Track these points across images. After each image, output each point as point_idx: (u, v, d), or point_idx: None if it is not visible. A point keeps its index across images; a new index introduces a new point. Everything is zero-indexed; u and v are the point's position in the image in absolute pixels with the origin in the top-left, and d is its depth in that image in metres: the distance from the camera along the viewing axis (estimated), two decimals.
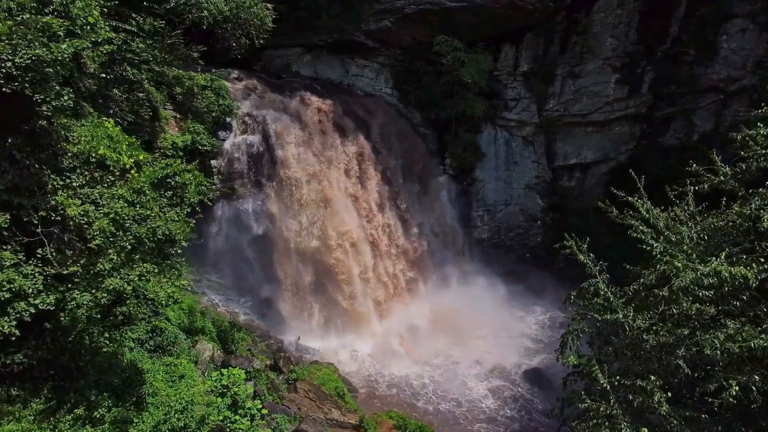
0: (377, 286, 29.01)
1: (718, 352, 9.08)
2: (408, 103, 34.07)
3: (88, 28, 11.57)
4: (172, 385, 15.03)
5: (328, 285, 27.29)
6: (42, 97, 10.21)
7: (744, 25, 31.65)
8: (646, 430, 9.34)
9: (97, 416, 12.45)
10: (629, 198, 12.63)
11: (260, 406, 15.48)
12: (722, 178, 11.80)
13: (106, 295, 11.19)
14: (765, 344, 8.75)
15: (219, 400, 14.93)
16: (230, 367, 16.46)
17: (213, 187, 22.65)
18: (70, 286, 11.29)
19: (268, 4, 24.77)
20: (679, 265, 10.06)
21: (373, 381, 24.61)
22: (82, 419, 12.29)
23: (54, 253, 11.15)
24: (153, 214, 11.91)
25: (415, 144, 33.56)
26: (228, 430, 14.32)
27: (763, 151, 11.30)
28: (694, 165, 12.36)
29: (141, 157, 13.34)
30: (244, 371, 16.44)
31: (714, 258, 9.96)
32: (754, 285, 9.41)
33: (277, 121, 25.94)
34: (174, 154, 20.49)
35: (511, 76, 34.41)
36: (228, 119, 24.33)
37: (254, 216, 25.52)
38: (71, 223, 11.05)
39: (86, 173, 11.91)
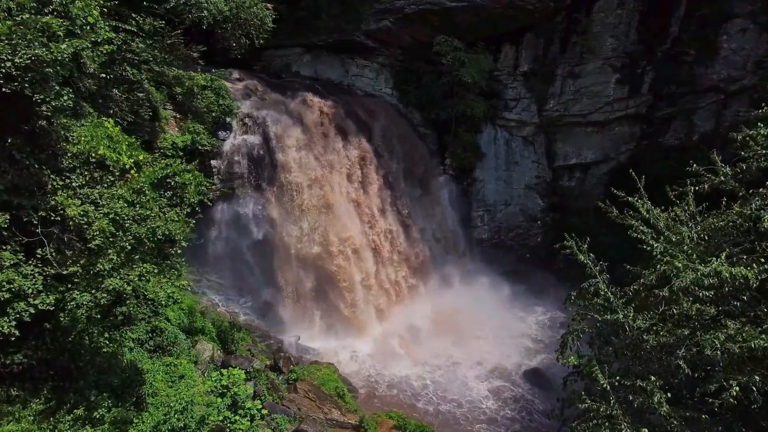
0: (379, 293, 28.87)
1: (719, 352, 9.07)
2: (408, 103, 34.07)
3: (88, 28, 11.57)
4: (171, 386, 15.02)
5: (329, 292, 27.21)
6: (42, 97, 10.20)
7: (744, 25, 31.64)
8: (646, 430, 9.33)
9: (97, 416, 12.44)
10: (629, 198, 12.62)
11: (260, 407, 15.48)
12: (722, 178, 11.79)
13: (105, 295, 11.19)
14: (765, 344, 8.73)
15: (219, 400, 14.92)
16: (230, 368, 16.45)
17: (213, 187, 22.64)
18: (69, 286, 11.29)
19: (268, 4, 24.76)
20: (680, 265, 10.05)
21: (373, 381, 24.59)
22: (81, 419, 12.28)
23: (54, 254, 11.15)
24: (153, 215, 11.91)
25: (416, 147, 33.51)
26: (228, 430, 14.32)
27: (764, 151, 11.29)
28: (695, 165, 12.35)
29: (141, 157, 13.34)
30: (244, 371, 16.44)
31: (714, 258, 9.95)
32: (754, 285, 9.40)
33: (277, 124, 25.83)
34: (174, 154, 20.47)
35: (511, 76, 34.40)
36: (228, 119, 24.32)
37: (254, 220, 25.43)
38: (71, 223, 11.05)
39: (86, 173, 11.91)
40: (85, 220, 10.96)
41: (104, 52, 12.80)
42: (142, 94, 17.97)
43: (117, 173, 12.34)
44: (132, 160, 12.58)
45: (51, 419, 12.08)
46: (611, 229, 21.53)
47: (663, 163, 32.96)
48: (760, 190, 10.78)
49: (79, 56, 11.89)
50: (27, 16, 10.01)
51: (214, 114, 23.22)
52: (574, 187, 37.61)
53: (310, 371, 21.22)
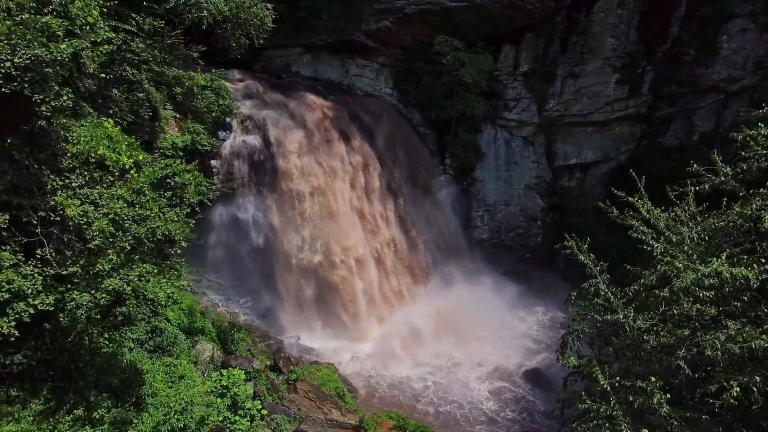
0: (382, 303, 28.78)
1: (719, 352, 9.07)
2: (408, 103, 34.05)
3: (88, 28, 11.57)
4: (171, 386, 15.00)
5: (331, 302, 27.12)
6: (41, 97, 10.19)
7: (744, 25, 31.62)
8: (646, 431, 9.32)
9: (97, 417, 12.44)
10: (630, 198, 12.61)
11: (260, 407, 15.48)
12: (723, 178, 11.78)
13: (105, 295, 11.18)
14: (766, 345, 8.73)
15: (219, 400, 14.92)
16: (230, 368, 16.46)
17: (213, 187, 22.63)
18: (69, 286, 11.28)
19: (268, 4, 24.73)
20: (680, 265, 10.04)
21: (373, 382, 24.55)
22: (81, 420, 12.27)
23: (53, 254, 11.15)
24: (152, 215, 11.90)
25: (417, 148, 33.42)
26: (228, 430, 14.32)
27: (764, 152, 11.28)
28: (695, 165, 12.34)
29: (140, 158, 13.34)
30: (243, 372, 16.45)
31: (715, 258, 9.94)
32: (755, 286, 9.39)
33: (278, 128, 25.60)
34: (174, 154, 20.45)
35: (511, 76, 34.39)
36: (228, 119, 24.31)
37: (254, 227, 25.32)
38: (70, 223, 11.05)
39: (86, 173, 11.90)
40: (85, 220, 10.96)
41: (104, 52, 12.77)
42: (141, 94, 17.95)
43: (117, 173, 12.34)
44: (132, 161, 12.58)
45: (50, 419, 12.07)
46: (611, 229, 21.56)
47: (663, 163, 32.95)
48: (761, 190, 10.77)
49: (78, 56, 11.88)
50: (26, 16, 10.01)
51: (214, 114, 23.21)
52: (574, 187, 37.60)
53: (310, 371, 21.21)
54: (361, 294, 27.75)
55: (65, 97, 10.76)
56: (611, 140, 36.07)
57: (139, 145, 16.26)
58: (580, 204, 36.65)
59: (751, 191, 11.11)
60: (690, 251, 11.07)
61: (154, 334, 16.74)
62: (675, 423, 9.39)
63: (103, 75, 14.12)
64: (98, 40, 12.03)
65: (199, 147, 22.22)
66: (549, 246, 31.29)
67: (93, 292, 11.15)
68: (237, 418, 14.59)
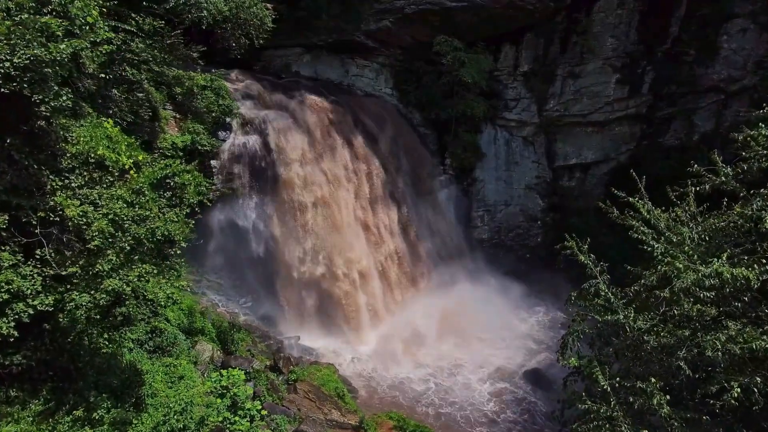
0: (385, 313, 28.64)
1: (720, 353, 9.06)
2: (408, 103, 34.03)
3: (87, 28, 11.55)
4: (171, 386, 14.99)
5: (333, 315, 27.02)
6: (40, 97, 10.18)
7: (745, 25, 31.60)
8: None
9: (96, 417, 12.43)
10: (630, 198, 12.60)
11: (260, 407, 15.47)
12: (723, 178, 11.76)
13: (105, 295, 11.16)
14: (766, 345, 8.72)
15: (218, 401, 14.92)
16: (230, 368, 16.46)
17: (213, 187, 22.62)
18: (68, 286, 11.26)
19: (268, 4, 24.71)
20: (680, 266, 10.03)
21: (373, 383, 24.51)
22: (81, 420, 12.27)
23: (53, 254, 11.13)
24: (152, 215, 11.89)
25: (420, 153, 33.31)
26: (227, 431, 14.30)
27: (765, 152, 11.27)
28: (696, 165, 12.32)
29: (140, 158, 13.32)
30: (243, 372, 16.44)
31: (715, 259, 9.94)
32: (755, 286, 9.38)
33: (280, 133, 25.37)
34: (174, 154, 20.44)
35: (512, 76, 34.36)
36: (228, 119, 24.29)
37: (255, 236, 25.19)
38: (70, 223, 11.02)
39: (85, 174, 11.88)
40: (84, 220, 10.94)
41: (103, 52, 12.76)
42: (141, 95, 17.93)
43: (116, 173, 12.32)
44: (131, 161, 12.56)
45: (50, 420, 12.06)
46: (611, 229, 21.56)
47: (663, 163, 32.95)
48: (761, 190, 10.76)
49: (78, 56, 11.87)
50: (26, 16, 9.99)
51: (213, 114, 23.20)
52: (574, 187, 37.59)
53: (310, 372, 21.19)
54: (365, 308, 27.62)
55: (65, 98, 10.75)
56: (611, 140, 36.05)
57: (139, 146, 16.25)
58: (581, 204, 36.63)
59: (752, 191, 11.10)
60: (690, 252, 11.06)
61: (154, 335, 16.73)
62: (675, 424, 9.38)
63: (103, 75, 14.11)
64: (98, 40, 12.02)
65: (199, 147, 22.20)
66: (549, 246, 31.26)
67: (92, 292, 11.14)
68: (237, 418, 14.58)
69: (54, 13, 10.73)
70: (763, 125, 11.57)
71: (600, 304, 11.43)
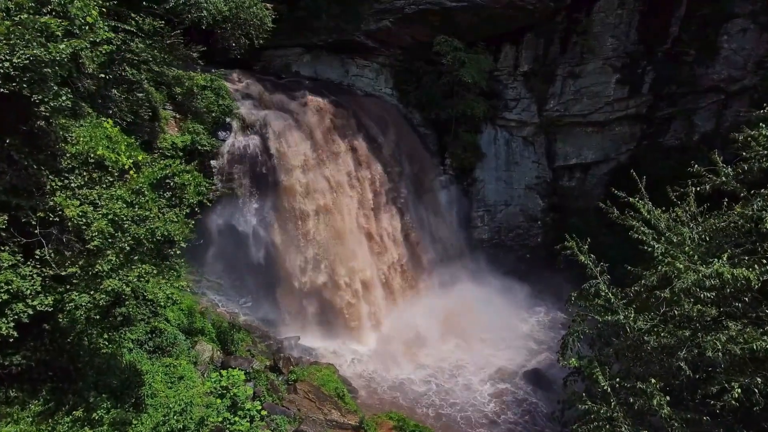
0: (387, 318, 28.53)
1: (720, 353, 9.05)
2: (408, 103, 34.02)
3: (87, 28, 11.53)
4: (171, 387, 14.98)
5: (334, 323, 26.98)
6: (40, 97, 10.15)
7: (745, 25, 31.60)
8: None
9: (96, 418, 12.41)
10: (630, 199, 12.60)
11: (260, 407, 15.46)
12: (724, 178, 11.75)
13: (104, 296, 11.14)
14: (767, 346, 8.70)
15: (218, 401, 14.90)
16: (230, 368, 16.45)
17: (212, 187, 22.60)
18: (68, 287, 11.23)
19: (268, 4, 24.67)
20: (681, 266, 10.02)
21: (373, 383, 24.48)
22: (80, 421, 12.24)
23: (52, 254, 11.10)
24: (152, 215, 11.86)
25: (420, 153, 33.25)
26: (227, 431, 14.29)
27: (765, 152, 11.25)
28: (696, 166, 12.31)
29: (140, 158, 13.28)
30: (243, 372, 16.44)
31: (716, 259, 9.93)
32: (756, 286, 9.37)
33: (281, 138, 25.20)
34: (174, 154, 20.43)
35: (512, 76, 34.36)
36: (228, 119, 24.27)
37: (255, 243, 25.08)
38: (70, 224, 11.00)
39: (85, 174, 11.85)
40: (84, 220, 10.91)
41: (103, 52, 12.72)
42: (141, 95, 17.90)
43: (116, 174, 12.28)
44: (131, 161, 12.53)
45: (50, 420, 12.04)
46: (612, 229, 21.56)
47: (663, 163, 32.93)
48: (762, 190, 10.76)
49: (77, 56, 11.84)
50: (25, 16, 9.96)
51: (213, 114, 23.18)
52: (574, 188, 37.58)
53: (310, 372, 21.18)
54: (367, 317, 27.55)
55: (64, 98, 10.72)
56: (611, 140, 36.05)
57: (139, 146, 16.23)
58: (581, 204, 36.63)
59: (752, 192, 11.09)
60: (691, 252, 11.05)
61: (154, 335, 16.71)
62: (676, 424, 9.37)
63: (103, 75, 14.07)
64: (97, 40, 11.99)
65: (199, 147, 22.19)
66: (549, 246, 31.22)
67: (92, 292, 11.11)
68: (237, 418, 14.57)
69: (53, 13, 10.70)
70: (764, 125, 11.55)
71: (600, 305, 11.42)
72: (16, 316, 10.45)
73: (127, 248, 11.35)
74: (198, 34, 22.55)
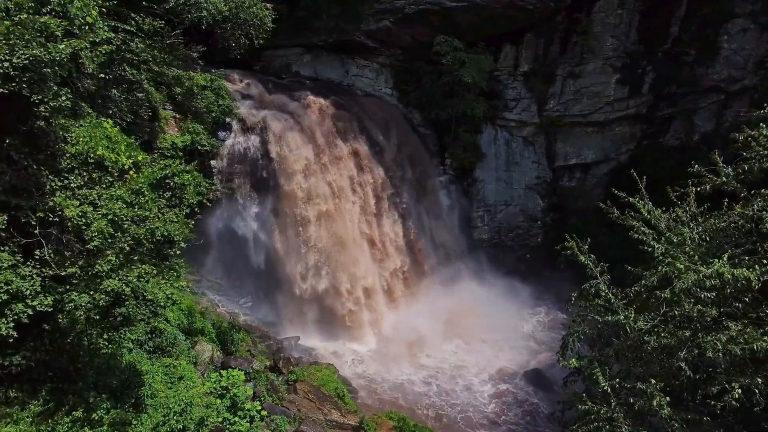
0: (387, 318, 28.42)
1: (720, 354, 9.04)
2: (408, 103, 34.02)
3: (87, 28, 11.50)
4: (171, 387, 14.96)
5: (335, 327, 26.93)
6: (40, 97, 10.13)
7: (745, 25, 31.59)
8: None
9: (96, 418, 12.39)
10: (630, 199, 12.59)
11: (259, 408, 15.45)
12: (724, 179, 11.74)
13: (104, 296, 11.11)
14: (767, 346, 8.69)
15: (218, 401, 14.89)
16: (230, 369, 16.45)
17: (212, 187, 22.60)
18: (68, 287, 11.20)
19: (268, 4, 24.66)
20: (681, 266, 10.01)
21: (374, 383, 24.43)
22: (80, 421, 12.22)
23: (52, 255, 11.08)
24: (152, 215, 11.84)
25: (420, 154, 33.17)
26: (227, 431, 14.27)
27: (765, 152, 11.24)
28: (696, 166, 12.30)
29: (140, 158, 13.26)
30: (243, 372, 16.43)
31: (716, 260, 9.91)
32: (756, 287, 9.36)
33: (281, 143, 25.04)
34: (174, 154, 20.43)
35: (512, 77, 34.36)
36: (228, 119, 24.27)
37: (255, 248, 25.06)
38: (69, 224, 10.97)
39: (84, 174, 11.83)
40: (84, 221, 10.88)
41: (103, 52, 12.69)
42: (141, 95, 17.90)
43: (116, 174, 12.26)
44: (131, 161, 12.50)
45: (49, 421, 12.02)
46: (612, 229, 21.54)
47: (663, 163, 32.90)
48: (762, 191, 10.75)
49: (77, 56, 11.80)
50: (25, 16, 9.94)
51: (213, 114, 23.19)
52: (574, 188, 37.58)
53: (310, 372, 21.15)
54: (369, 325, 27.48)
55: (64, 98, 10.69)
56: (611, 140, 36.05)
57: (139, 146, 16.20)
58: (581, 204, 36.63)
59: (753, 192, 11.08)
60: (691, 252, 11.05)
61: (154, 335, 16.70)
62: (676, 425, 9.36)
63: (103, 75, 14.05)
64: (97, 40, 11.96)
65: (199, 147, 22.19)
66: (549, 246, 31.19)
67: (92, 293, 11.09)
68: (236, 419, 14.56)
69: (53, 13, 10.68)
70: (764, 125, 11.54)
71: (600, 305, 11.42)
72: (15, 317, 10.42)
73: (127, 248, 11.34)
74: (198, 34, 22.56)
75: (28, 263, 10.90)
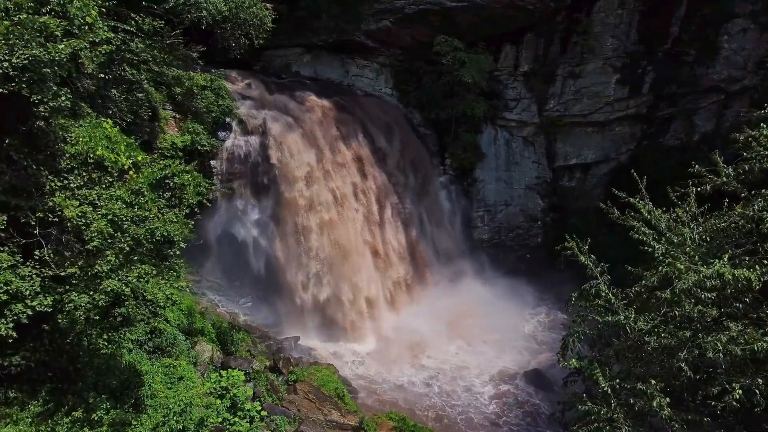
0: (387, 319, 28.33)
1: (721, 354, 9.03)
2: (408, 103, 34.01)
3: (86, 28, 11.49)
4: (171, 387, 14.94)
5: (335, 322, 26.93)
6: (39, 97, 10.12)
7: (745, 25, 31.58)
8: None
9: (96, 418, 12.38)
10: (631, 199, 12.58)
11: (259, 408, 15.44)
12: (725, 179, 11.72)
13: (104, 296, 11.10)
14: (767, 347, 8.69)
15: (218, 401, 14.88)
16: (229, 369, 16.44)
17: (212, 188, 22.59)
18: (67, 287, 11.20)
19: (268, 4, 24.65)
20: (682, 267, 10.00)
21: (374, 384, 24.38)
22: (80, 422, 12.22)
23: (52, 255, 11.08)
24: (151, 216, 11.82)
25: (420, 154, 33.10)
26: (227, 431, 14.26)
27: (766, 152, 11.22)
28: (697, 166, 12.29)
29: (139, 158, 13.24)
30: (243, 372, 16.41)
31: (716, 260, 9.90)
32: (756, 287, 9.35)
33: (283, 149, 24.86)
34: (173, 154, 20.42)
35: (512, 77, 34.34)
36: (228, 119, 24.26)
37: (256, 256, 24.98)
38: (69, 224, 10.97)
39: (84, 174, 11.82)
40: (83, 221, 10.88)
41: (103, 52, 12.68)
42: (141, 95, 17.88)
43: (115, 174, 12.24)
44: (130, 161, 12.49)
45: (49, 421, 12.02)
46: (612, 229, 21.51)
47: (663, 163, 32.87)
48: (763, 191, 10.73)
49: (77, 56, 11.79)
50: (24, 16, 9.93)
51: (213, 114, 23.18)
52: (574, 188, 37.56)
53: (309, 372, 21.13)
54: (369, 327, 27.44)
55: (63, 98, 10.69)
56: (611, 140, 36.03)
57: (139, 146, 16.19)
58: (581, 204, 36.60)
59: (753, 192, 11.06)
60: (691, 252, 11.03)
61: (154, 335, 16.68)
62: (676, 426, 9.35)
63: (102, 75, 14.04)
64: (97, 40, 11.95)
65: (199, 147, 22.19)
66: (549, 246, 31.13)
67: (92, 293, 11.08)
68: (236, 419, 14.55)
69: (53, 13, 10.68)
70: (764, 125, 11.53)
71: (600, 305, 11.41)
72: (15, 317, 10.42)
73: (127, 249, 11.32)
74: (198, 34, 22.56)
75: (28, 263, 10.90)
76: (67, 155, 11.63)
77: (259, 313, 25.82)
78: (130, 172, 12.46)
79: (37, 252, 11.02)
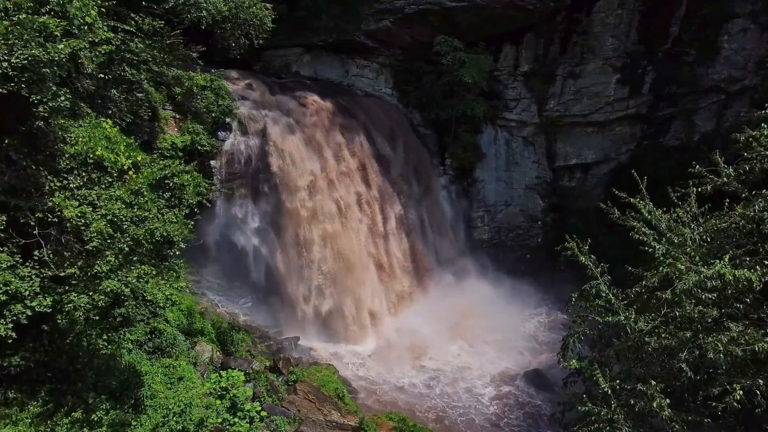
0: (387, 320, 28.24)
1: (721, 355, 9.02)
2: (408, 103, 33.99)
3: (86, 28, 11.48)
4: (170, 387, 14.93)
5: (335, 322, 26.83)
6: (39, 97, 10.11)
7: (745, 25, 31.56)
8: None
9: (95, 419, 12.36)
10: (631, 199, 12.56)
11: (259, 408, 15.39)
12: (725, 179, 11.70)
13: (103, 297, 11.09)
14: None
15: (218, 402, 14.83)
16: (229, 369, 16.38)
17: (213, 188, 22.57)
18: (67, 288, 11.19)
19: (268, 4, 24.62)
20: (682, 267, 9.98)
21: (374, 384, 24.34)
22: (79, 422, 12.20)
23: (51, 255, 11.06)
24: (151, 216, 11.80)
25: (420, 154, 33.03)
26: None
27: (767, 152, 11.21)
28: (697, 166, 12.27)
29: (139, 158, 13.21)
30: (243, 373, 16.35)
31: (717, 260, 9.88)
32: (757, 288, 9.35)
33: (285, 150, 24.64)
34: (173, 154, 20.38)
35: (512, 77, 34.33)
36: (228, 119, 24.24)
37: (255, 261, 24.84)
38: (68, 224, 10.95)
39: (84, 174, 11.80)
40: (83, 221, 10.86)
41: (102, 52, 12.66)
42: (141, 95, 17.86)
43: (115, 174, 12.22)
44: (130, 161, 12.47)
45: (49, 422, 12.00)
46: (612, 229, 21.49)
47: (664, 163, 32.86)
48: (763, 191, 10.72)
49: (76, 56, 11.77)
50: (24, 16, 9.91)
51: (213, 114, 23.16)
52: (574, 188, 37.54)
53: (309, 372, 21.12)
54: (372, 334, 27.33)
55: (63, 98, 10.68)
56: (612, 140, 36.01)
57: (138, 146, 16.16)
58: (581, 204, 36.58)
59: (754, 192, 11.05)
60: (692, 253, 11.02)
61: (153, 336, 16.67)
62: (677, 426, 9.34)
63: (102, 75, 14.01)
64: (97, 40, 11.93)
65: (199, 147, 22.17)
66: (549, 247, 31.09)
67: (91, 293, 11.06)
68: (236, 419, 14.50)
69: (52, 13, 10.66)
70: (765, 125, 11.51)
71: (601, 306, 11.40)
72: (14, 318, 10.41)
73: (126, 249, 11.30)
74: (198, 34, 22.54)
75: (27, 264, 10.89)
76: (66, 155, 11.61)
77: (259, 314, 25.80)
78: (130, 173, 12.44)
79: (36, 252, 11.00)
